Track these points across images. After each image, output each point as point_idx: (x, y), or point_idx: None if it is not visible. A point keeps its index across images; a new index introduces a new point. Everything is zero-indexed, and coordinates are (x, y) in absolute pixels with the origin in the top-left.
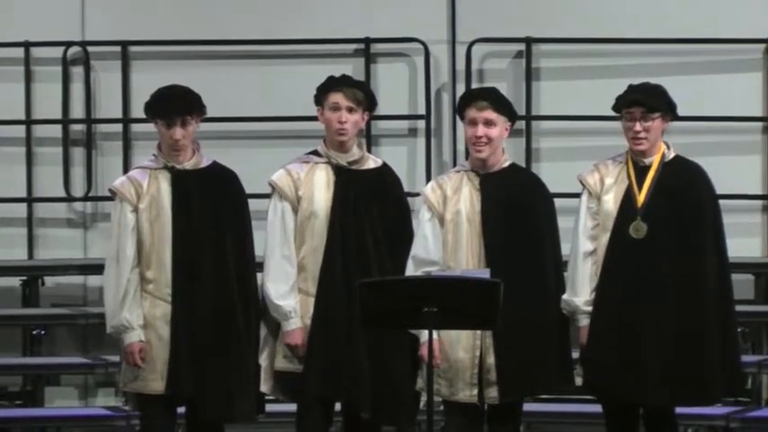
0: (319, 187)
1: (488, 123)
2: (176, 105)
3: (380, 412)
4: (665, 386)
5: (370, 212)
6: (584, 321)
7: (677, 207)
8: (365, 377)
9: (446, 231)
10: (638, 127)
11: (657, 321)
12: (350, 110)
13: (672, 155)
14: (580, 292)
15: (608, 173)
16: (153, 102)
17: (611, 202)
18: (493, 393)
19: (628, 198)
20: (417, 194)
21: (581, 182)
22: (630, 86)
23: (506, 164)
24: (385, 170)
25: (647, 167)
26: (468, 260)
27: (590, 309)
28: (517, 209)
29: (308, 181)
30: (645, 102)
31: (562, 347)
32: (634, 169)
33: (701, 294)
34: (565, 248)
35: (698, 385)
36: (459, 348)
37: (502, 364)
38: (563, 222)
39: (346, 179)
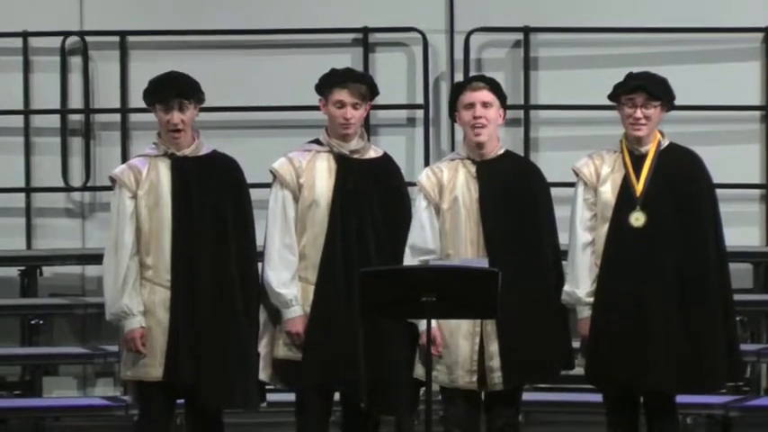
0: (321, 176)
1: (485, 105)
2: (173, 88)
3: (379, 402)
4: (669, 373)
5: (371, 201)
6: (586, 313)
7: (676, 195)
8: (361, 366)
9: (443, 220)
10: (638, 114)
11: (660, 309)
12: (355, 106)
13: (666, 142)
14: (581, 283)
15: (603, 163)
16: (150, 87)
17: (609, 191)
18: (496, 380)
19: (626, 187)
20: (415, 184)
21: (576, 173)
22: (631, 74)
23: (501, 151)
24: (386, 159)
25: (644, 156)
26: (466, 247)
27: (591, 300)
28: (514, 195)
29: (309, 169)
30: (648, 88)
31: (562, 332)
32: (630, 158)
33: (704, 282)
34: (563, 238)
35: (701, 372)
36: (459, 335)
37: (505, 350)
38: (562, 212)
39: (348, 168)
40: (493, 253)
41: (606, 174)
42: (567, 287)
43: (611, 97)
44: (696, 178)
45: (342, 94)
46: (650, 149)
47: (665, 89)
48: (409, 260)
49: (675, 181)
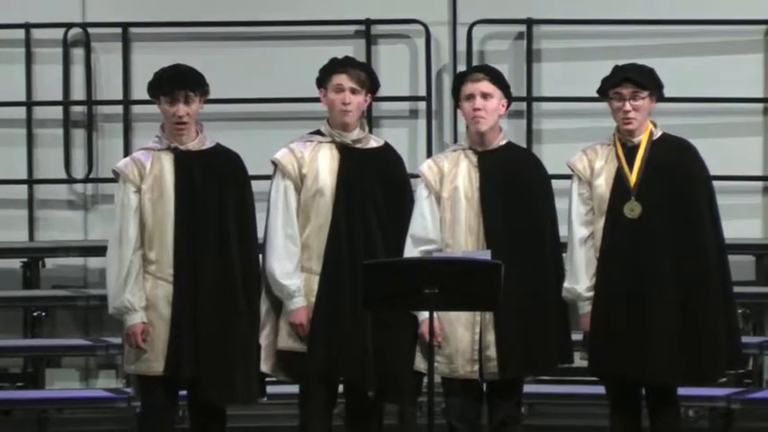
0: (324, 166)
1: (485, 96)
2: (179, 81)
3: (384, 392)
4: (670, 365)
5: (374, 190)
6: (587, 308)
7: (670, 184)
8: (369, 356)
9: (443, 209)
10: (627, 107)
11: (659, 300)
12: (353, 91)
13: (659, 133)
14: (580, 278)
15: (596, 157)
16: (156, 80)
17: (604, 184)
18: (493, 369)
19: (620, 179)
20: (418, 176)
21: (570, 168)
22: (617, 67)
23: (503, 142)
24: (387, 149)
25: (636, 146)
26: (466, 237)
27: (591, 294)
28: (515, 186)
29: (312, 159)
30: (636, 79)
31: (561, 325)
32: (623, 150)
33: (702, 272)
34: (564, 231)
35: (702, 364)
36: (459, 326)
37: (501, 341)
38: (565, 203)
39: (351, 157)
40: (492, 243)
41: (600, 167)
42: (566, 283)
43: (599, 92)
44: (690, 167)
45: (341, 78)
46: (642, 140)
47: (652, 78)
48: (410, 249)
49: (669, 170)
